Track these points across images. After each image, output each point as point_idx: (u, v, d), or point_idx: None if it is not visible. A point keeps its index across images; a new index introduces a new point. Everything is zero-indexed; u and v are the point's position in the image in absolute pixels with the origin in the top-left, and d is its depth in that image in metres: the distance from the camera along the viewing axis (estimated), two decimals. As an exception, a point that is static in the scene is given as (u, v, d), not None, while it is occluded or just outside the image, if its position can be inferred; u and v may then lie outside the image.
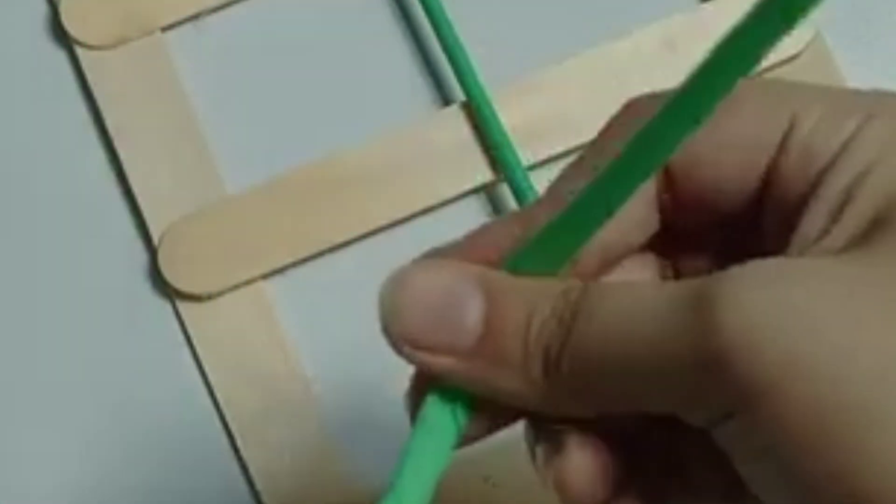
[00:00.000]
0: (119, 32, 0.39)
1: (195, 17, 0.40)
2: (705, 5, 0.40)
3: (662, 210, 0.23)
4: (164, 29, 0.40)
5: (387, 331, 0.21)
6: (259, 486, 0.36)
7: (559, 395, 0.21)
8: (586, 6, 0.40)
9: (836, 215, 0.20)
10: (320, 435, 0.36)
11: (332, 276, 0.38)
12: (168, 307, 0.38)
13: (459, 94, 0.39)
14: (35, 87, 0.40)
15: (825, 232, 0.20)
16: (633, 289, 0.21)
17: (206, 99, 0.39)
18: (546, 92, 0.39)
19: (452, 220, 0.38)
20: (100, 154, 0.39)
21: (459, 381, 0.21)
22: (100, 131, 0.39)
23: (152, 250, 0.38)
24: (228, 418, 0.36)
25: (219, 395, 0.37)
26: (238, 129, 0.39)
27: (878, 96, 0.22)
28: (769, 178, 0.22)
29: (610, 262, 0.23)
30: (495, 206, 0.39)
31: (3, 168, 0.39)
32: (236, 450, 0.36)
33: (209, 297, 0.37)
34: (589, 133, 0.38)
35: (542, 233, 0.21)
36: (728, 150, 0.22)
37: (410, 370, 0.22)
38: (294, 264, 0.38)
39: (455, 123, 0.39)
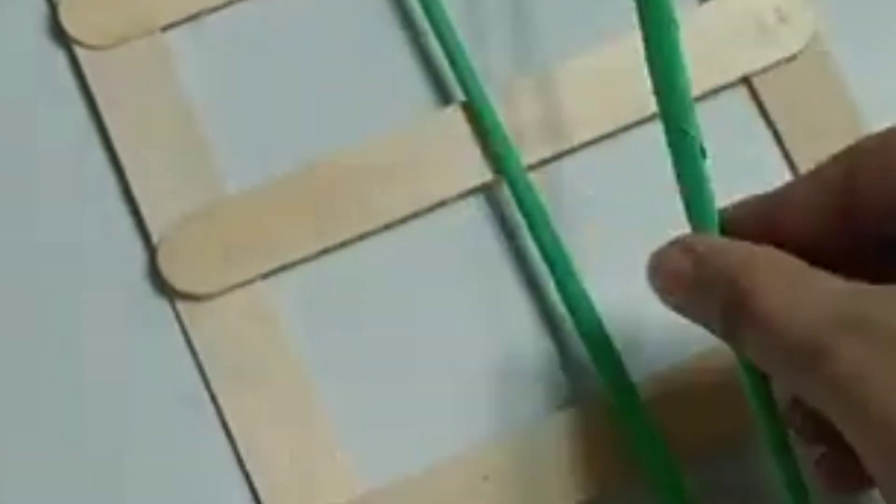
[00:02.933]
0: (119, 32, 0.39)
1: (195, 16, 0.40)
2: (705, 5, 0.40)
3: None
4: (164, 29, 0.40)
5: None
6: (258, 485, 0.36)
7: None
8: (586, 6, 0.40)
9: None
10: (321, 434, 0.36)
11: (333, 275, 0.38)
12: (167, 307, 0.38)
13: (459, 94, 0.39)
14: (34, 87, 0.40)
15: None
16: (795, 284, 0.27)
17: (206, 99, 0.39)
18: (546, 92, 0.39)
19: (452, 220, 0.38)
20: (99, 153, 0.39)
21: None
22: (99, 131, 0.39)
23: (151, 250, 0.38)
24: (228, 417, 0.36)
25: (218, 395, 0.37)
26: (238, 129, 0.39)
27: None
28: None
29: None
30: (495, 206, 0.39)
31: (1, 168, 0.39)
32: (235, 449, 0.36)
33: (209, 296, 0.37)
34: (589, 133, 0.38)
35: None
36: None
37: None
38: (294, 264, 0.38)
39: (455, 123, 0.39)
